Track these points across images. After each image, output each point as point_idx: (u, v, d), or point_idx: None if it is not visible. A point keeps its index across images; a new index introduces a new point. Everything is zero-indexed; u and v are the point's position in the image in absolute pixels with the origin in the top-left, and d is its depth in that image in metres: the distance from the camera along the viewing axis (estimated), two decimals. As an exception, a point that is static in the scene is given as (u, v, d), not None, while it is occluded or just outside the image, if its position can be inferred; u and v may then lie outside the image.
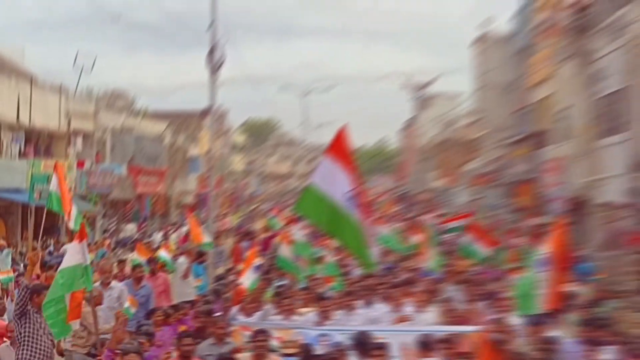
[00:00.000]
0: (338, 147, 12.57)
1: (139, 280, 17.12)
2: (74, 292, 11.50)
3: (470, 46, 63.63)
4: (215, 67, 28.02)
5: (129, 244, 34.22)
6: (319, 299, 14.84)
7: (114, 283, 16.17)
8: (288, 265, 19.63)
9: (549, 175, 36.12)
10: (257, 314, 14.25)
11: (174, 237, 36.74)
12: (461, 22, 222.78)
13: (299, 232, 22.35)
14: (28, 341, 11.94)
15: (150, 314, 15.14)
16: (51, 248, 32.31)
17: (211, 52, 27.84)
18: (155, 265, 19.39)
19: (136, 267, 17.86)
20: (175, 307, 15.37)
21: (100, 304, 14.05)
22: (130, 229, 45.78)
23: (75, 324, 12.32)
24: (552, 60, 37.78)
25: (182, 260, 21.12)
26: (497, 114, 54.93)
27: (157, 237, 39.73)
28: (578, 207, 32.86)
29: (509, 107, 52.81)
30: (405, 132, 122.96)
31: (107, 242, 35.33)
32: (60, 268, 11.86)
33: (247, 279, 16.79)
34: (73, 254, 11.83)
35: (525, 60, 46.56)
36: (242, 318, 13.92)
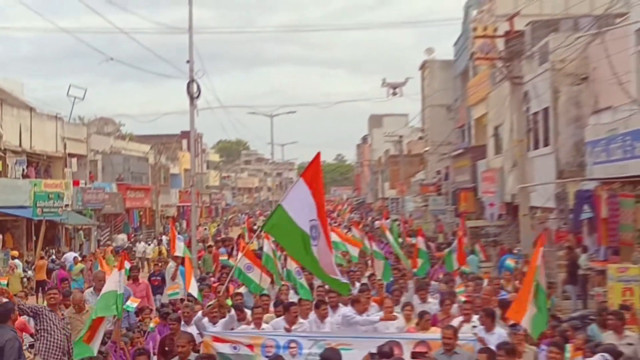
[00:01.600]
0: (311, 173, 11.94)
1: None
2: (99, 317, 11.46)
3: (417, 70, 63.86)
4: (193, 97, 28.55)
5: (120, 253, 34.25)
6: (286, 306, 13.66)
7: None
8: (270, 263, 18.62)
9: (486, 184, 36.22)
10: (222, 321, 13.08)
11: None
12: (409, 49, 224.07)
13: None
14: (44, 336, 11.88)
15: (138, 313, 15.27)
16: (53, 257, 32.33)
17: (189, 84, 28.42)
18: (137, 273, 19.32)
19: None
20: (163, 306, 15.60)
21: None
22: (121, 238, 45.78)
23: (95, 346, 11.59)
24: (487, 82, 38.19)
25: (171, 263, 21.35)
26: (440, 131, 54.62)
27: (139, 246, 39.88)
28: (511, 211, 33.32)
29: (451, 125, 53.15)
30: (360, 148, 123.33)
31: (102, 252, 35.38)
32: (101, 292, 12.03)
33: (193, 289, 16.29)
34: (111, 282, 11.96)
35: (465, 83, 46.80)
36: (208, 325, 12.75)
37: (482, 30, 27.19)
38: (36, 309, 12.23)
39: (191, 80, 28.15)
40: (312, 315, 13.68)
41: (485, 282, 18.61)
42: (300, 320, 13.18)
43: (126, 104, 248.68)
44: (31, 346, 12.48)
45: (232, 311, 13.45)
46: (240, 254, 18.84)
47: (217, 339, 11.39)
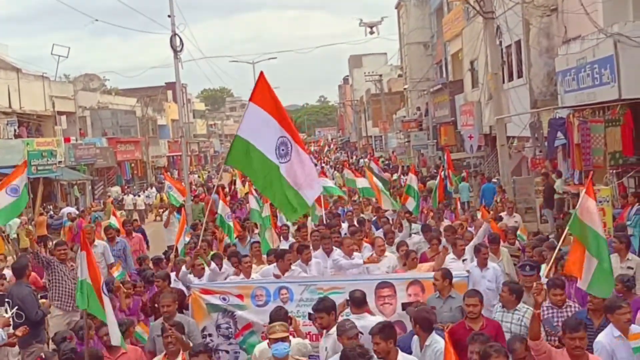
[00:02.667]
0: (260, 94, 11.38)
1: (112, 239, 16.75)
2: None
3: (393, 9, 63.79)
4: (176, 50, 28.78)
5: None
6: (279, 254, 12.98)
7: (97, 241, 15.73)
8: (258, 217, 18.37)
9: (464, 117, 36.47)
10: (206, 274, 12.54)
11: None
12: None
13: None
14: (56, 285, 12.40)
15: (141, 262, 15.80)
16: (52, 212, 32.75)
17: (172, 38, 28.64)
18: (131, 226, 19.58)
19: (107, 228, 17.81)
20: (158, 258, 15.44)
21: None
22: (115, 191, 46.19)
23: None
24: (461, 18, 38.35)
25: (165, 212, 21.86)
26: (419, 68, 54.97)
27: (128, 199, 40.08)
28: (490, 142, 33.87)
29: (429, 61, 53.41)
30: (341, 89, 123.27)
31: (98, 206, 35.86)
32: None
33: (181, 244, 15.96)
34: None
35: (440, 19, 46.90)
36: (194, 280, 12.19)
37: (454, -33, 27.27)
38: (48, 260, 12.66)
39: (174, 34, 28.38)
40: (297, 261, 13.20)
41: (479, 214, 18.21)
42: (292, 267, 12.65)
43: (109, 58, 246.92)
44: (43, 297, 12.93)
45: (212, 264, 12.74)
46: (221, 203, 19.07)
47: (205, 291, 11.08)
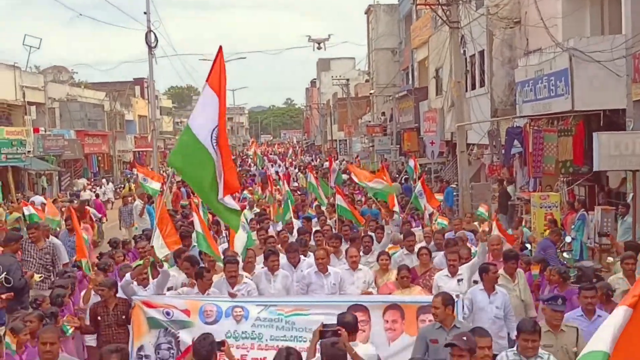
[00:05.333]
0: (217, 74, 9.85)
1: (71, 230, 16.15)
2: None
3: (363, 14, 64.32)
4: (151, 46, 29.45)
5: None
6: (226, 261, 11.23)
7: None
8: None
9: (427, 123, 37.11)
10: (153, 283, 10.84)
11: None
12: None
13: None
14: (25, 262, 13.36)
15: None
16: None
17: (147, 34, 29.30)
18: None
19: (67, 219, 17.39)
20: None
21: None
22: (81, 183, 46.47)
23: None
24: (429, 26, 39.01)
25: (138, 202, 22.46)
26: (386, 73, 55.52)
27: (85, 194, 39.86)
28: (450, 149, 34.59)
29: (396, 67, 54.05)
30: (309, 92, 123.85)
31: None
32: None
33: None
34: None
35: (409, 26, 47.40)
36: (138, 290, 10.41)
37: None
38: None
39: (149, 31, 29.04)
40: (262, 268, 11.70)
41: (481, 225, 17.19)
42: (245, 279, 11.09)
43: (79, 50, 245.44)
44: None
45: (165, 266, 11.22)
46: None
47: (147, 304, 9.71)
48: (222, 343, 7.74)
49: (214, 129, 9.77)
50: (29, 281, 12.31)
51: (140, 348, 9.36)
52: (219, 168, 9.90)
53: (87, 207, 22.58)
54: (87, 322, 10.23)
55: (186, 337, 9.16)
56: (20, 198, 33.34)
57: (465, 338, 6.93)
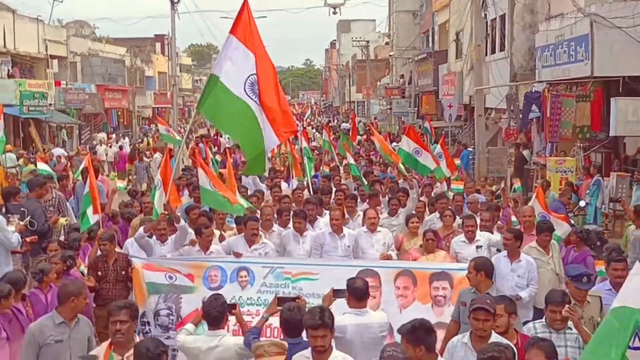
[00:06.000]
0: (242, 25, 9.85)
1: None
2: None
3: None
4: (174, 2, 29.55)
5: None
6: (243, 220, 10.79)
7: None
8: None
9: (446, 87, 37.00)
10: (172, 238, 10.43)
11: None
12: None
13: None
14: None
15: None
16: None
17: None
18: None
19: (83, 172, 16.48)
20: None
21: None
22: (101, 136, 46.68)
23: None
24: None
25: (158, 155, 22.67)
26: (406, 36, 55.21)
27: (100, 149, 39.85)
28: (468, 112, 34.62)
29: (416, 30, 53.84)
30: (328, 53, 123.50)
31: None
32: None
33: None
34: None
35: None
36: (155, 245, 10.25)
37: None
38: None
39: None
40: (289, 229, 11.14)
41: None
42: (264, 239, 10.58)
43: (102, 5, 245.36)
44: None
45: (182, 221, 10.62)
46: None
47: (148, 267, 9.33)
48: (234, 306, 7.46)
49: (246, 79, 9.73)
50: (53, 225, 12.60)
51: (143, 314, 8.94)
52: (261, 116, 9.86)
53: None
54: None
55: (188, 303, 8.98)
56: (47, 149, 33.69)
57: (489, 301, 6.71)
